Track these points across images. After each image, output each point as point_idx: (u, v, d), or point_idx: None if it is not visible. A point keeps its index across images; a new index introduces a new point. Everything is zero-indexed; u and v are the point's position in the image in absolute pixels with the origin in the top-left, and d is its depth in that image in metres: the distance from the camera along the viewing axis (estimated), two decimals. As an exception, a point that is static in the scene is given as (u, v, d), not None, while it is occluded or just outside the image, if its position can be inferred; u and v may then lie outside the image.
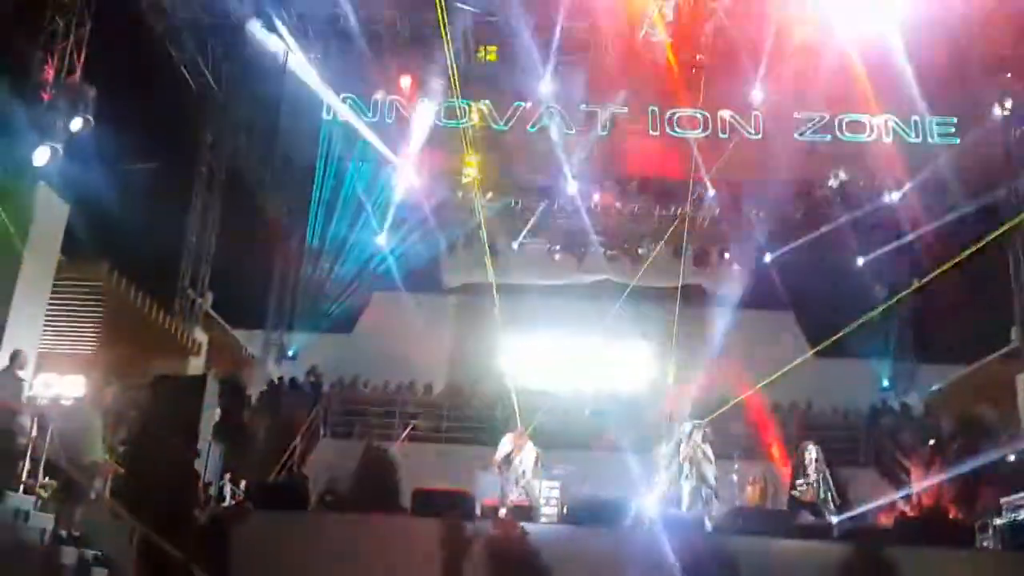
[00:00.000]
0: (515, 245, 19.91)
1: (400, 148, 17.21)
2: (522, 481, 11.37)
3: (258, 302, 19.75)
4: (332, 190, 18.43)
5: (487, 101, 16.36)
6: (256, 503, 10.16)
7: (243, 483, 11.59)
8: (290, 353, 19.78)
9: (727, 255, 20.15)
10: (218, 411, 11.52)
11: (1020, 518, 11.53)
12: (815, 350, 16.63)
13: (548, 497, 12.40)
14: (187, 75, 15.42)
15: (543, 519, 10.84)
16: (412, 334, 19.55)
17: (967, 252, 14.01)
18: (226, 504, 10.93)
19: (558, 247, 20.34)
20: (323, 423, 16.34)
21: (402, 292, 21.01)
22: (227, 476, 11.73)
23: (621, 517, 10.43)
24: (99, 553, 8.04)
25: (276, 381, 17.65)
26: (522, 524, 9.29)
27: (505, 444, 11.62)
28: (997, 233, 14.62)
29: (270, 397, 16.24)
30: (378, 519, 10.49)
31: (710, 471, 11.87)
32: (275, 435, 14.41)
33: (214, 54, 15.70)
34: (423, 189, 18.56)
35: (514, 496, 11.31)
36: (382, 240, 20.01)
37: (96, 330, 12.87)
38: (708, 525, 10.64)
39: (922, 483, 14.11)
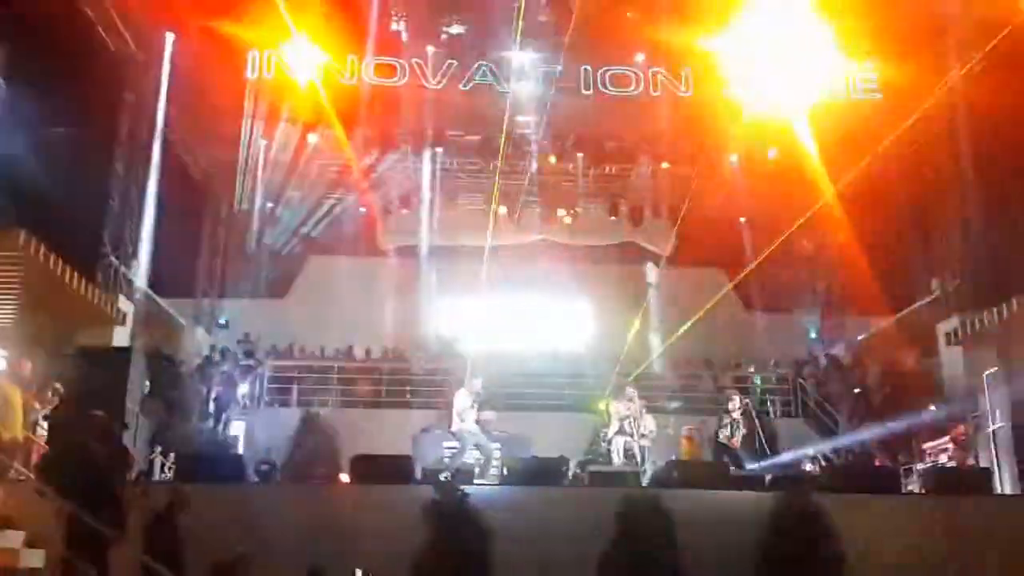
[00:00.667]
0: (454, 205, 19.73)
1: (330, 108, 16.76)
2: (477, 439, 11.34)
3: (186, 269, 19.16)
4: (261, 152, 17.92)
5: (418, 59, 16.01)
6: (187, 476, 9.93)
7: (172, 456, 11.32)
8: (222, 321, 19.32)
9: (660, 213, 20.31)
10: (147, 382, 11.20)
11: (941, 463, 12.09)
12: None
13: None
14: (104, 35, 14.66)
15: (482, 481, 10.88)
16: (349, 298, 19.28)
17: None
18: (157, 478, 10.68)
19: (495, 206, 20.20)
20: (258, 391, 16.06)
21: (338, 256, 20.72)
22: (157, 449, 11.46)
23: (560, 476, 10.58)
24: (27, 533, 7.78)
25: (208, 350, 17.26)
26: (462, 487, 9.31)
27: (464, 398, 11.48)
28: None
29: (201, 366, 15.84)
30: (316, 487, 10.43)
31: (645, 426, 12.10)
32: (207, 405, 14.11)
33: (132, 12, 14.95)
34: (356, 150, 18.18)
35: (468, 455, 11.31)
36: (314, 203, 19.64)
37: (14, 301, 12.30)
38: (644, 479, 10.85)
39: (849, 431, 14.63)
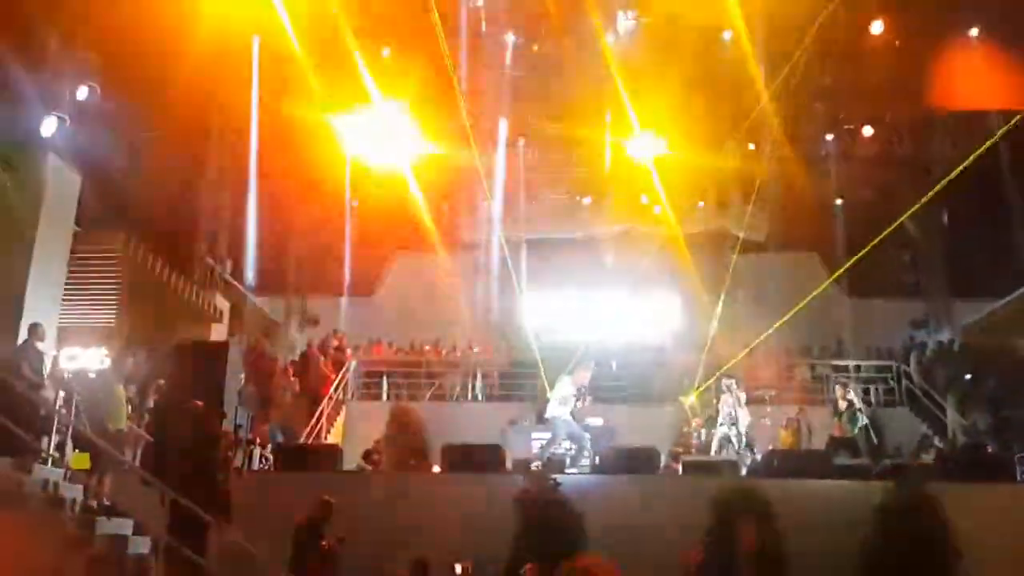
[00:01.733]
0: (538, 197, 19.60)
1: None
2: (570, 428, 11.05)
3: (279, 268, 19.60)
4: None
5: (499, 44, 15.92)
6: (286, 466, 10.12)
7: (269, 446, 11.60)
8: (313, 317, 19.72)
9: (750, 197, 19.65)
10: (242, 376, 11.47)
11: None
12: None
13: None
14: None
15: (573, 470, 10.71)
16: (435, 293, 19.42)
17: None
18: (255, 467, 10.93)
19: (580, 197, 19.93)
20: (350, 385, 16.31)
21: (424, 252, 20.87)
22: (257, 440, 11.73)
23: (652, 465, 10.32)
24: (136, 522, 8.00)
25: (302, 346, 17.64)
26: (554, 476, 9.19)
27: (567, 386, 11.18)
28: None
29: (296, 361, 16.20)
30: (409, 477, 10.49)
31: (744, 418, 11.72)
32: (302, 399, 14.39)
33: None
34: (438, 143, 18.24)
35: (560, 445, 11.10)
36: (399, 198, 19.83)
37: (116, 300, 12.79)
38: (743, 469, 10.50)
39: (959, 419, 13.86)
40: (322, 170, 18.59)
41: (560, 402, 10.90)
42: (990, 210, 16.52)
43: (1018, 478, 10.47)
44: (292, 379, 14.73)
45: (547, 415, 11.08)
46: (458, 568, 6.44)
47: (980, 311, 17.40)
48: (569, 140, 17.69)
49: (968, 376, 14.29)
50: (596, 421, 13.29)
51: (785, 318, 15.27)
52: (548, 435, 11.78)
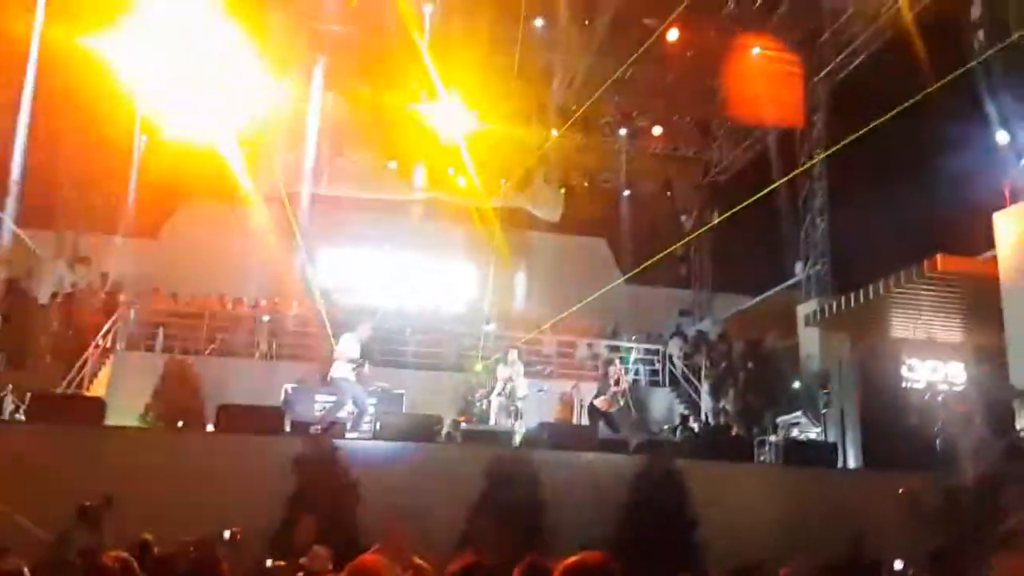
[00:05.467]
0: (342, 156, 19.16)
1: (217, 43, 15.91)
2: (355, 391, 10.95)
3: (50, 199, 17.84)
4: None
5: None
6: (40, 417, 9.40)
7: (28, 395, 10.66)
8: (85, 256, 18.19)
9: (549, 180, 20.47)
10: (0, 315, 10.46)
11: (792, 436, 12.89)
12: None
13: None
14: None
15: (354, 435, 10.78)
16: (224, 244, 18.51)
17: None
18: (6, 418, 10.03)
19: (386, 161, 19.74)
20: (120, 333, 15.29)
21: (213, 200, 19.83)
22: (9, 387, 10.74)
23: (434, 433, 10.62)
24: None
25: (68, 286, 16.27)
26: (333, 440, 9.23)
27: (351, 342, 10.97)
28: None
29: (60, 303, 14.92)
30: (178, 435, 10.10)
31: (521, 389, 12.29)
32: (65, 344, 13.30)
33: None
34: (242, 87, 17.35)
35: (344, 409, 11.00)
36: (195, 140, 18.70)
37: None
38: (516, 440, 11.05)
39: (710, 402, 15.36)
40: (106, 97, 17.18)
41: (345, 361, 10.76)
42: (754, 214, 18.25)
43: (757, 459, 11.83)
44: (53, 322, 13.58)
45: (331, 375, 10.90)
46: (226, 534, 6.27)
47: (737, 305, 19.32)
48: (379, 102, 17.41)
49: (723, 364, 15.81)
50: (383, 385, 13.41)
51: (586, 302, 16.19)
52: (332, 397, 11.71)
